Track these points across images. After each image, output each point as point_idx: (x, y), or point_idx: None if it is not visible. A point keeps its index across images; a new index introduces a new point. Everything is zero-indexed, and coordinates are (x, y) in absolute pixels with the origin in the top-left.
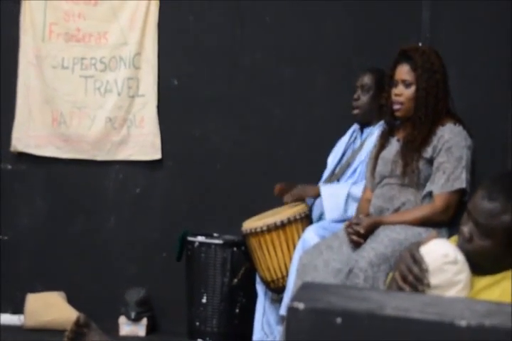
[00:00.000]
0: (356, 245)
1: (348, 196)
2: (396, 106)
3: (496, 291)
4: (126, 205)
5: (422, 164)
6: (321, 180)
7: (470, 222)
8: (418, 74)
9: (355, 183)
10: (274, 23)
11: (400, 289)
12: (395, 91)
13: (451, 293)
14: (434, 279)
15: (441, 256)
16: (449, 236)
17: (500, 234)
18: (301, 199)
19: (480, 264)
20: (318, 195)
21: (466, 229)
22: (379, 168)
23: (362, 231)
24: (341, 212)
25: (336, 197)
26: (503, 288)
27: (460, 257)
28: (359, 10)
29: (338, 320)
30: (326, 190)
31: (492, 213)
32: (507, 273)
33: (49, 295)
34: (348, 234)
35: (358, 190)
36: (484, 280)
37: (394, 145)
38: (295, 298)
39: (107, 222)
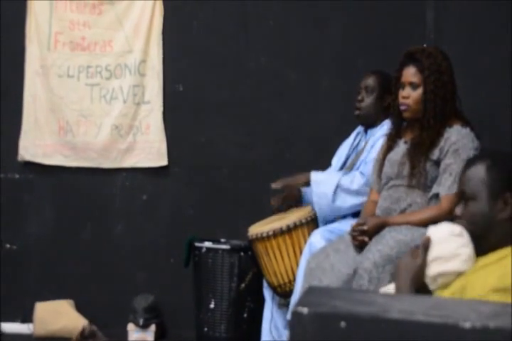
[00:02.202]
0: (361, 247)
1: (338, 186)
2: (403, 108)
3: (497, 269)
4: (133, 212)
5: (428, 166)
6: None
7: (460, 202)
8: (425, 76)
9: (346, 174)
10: (279, 28)
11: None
12: (402, 93)
13: (454, 263)
14: (438, 249)
15: (448, 230)
16: None
17: (481, 189)
18: (291, 186)
19: (480, 241)
20: (308, 182)
21: (457, 209)
22: (386, 170)
23: (365, 228)
24: (329, 202)
25: (324, 185)
26: (504, 265)
27: (466, 233)
28: (363, 12)
29: (343, 324)
30: (315, 176)
31: (470, 176)
32: (507, 250)
33: (58, 304)
34: (353, 237)
35: (347, 181)
36: (485, 259)
37: (401, 147)
38: (299, 302)
39: (114, 229)
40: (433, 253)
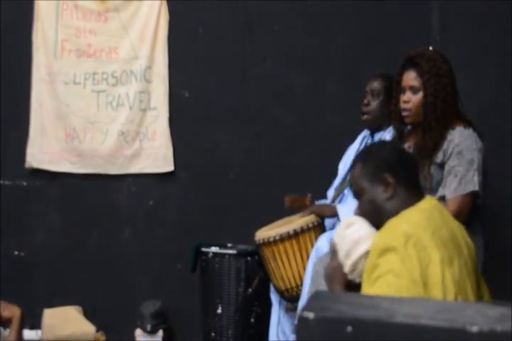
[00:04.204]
0: None
1: None
2: (404, 113)
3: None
4: (140, 218)
5: (433, 169)
6: (331, 187)
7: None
8: (425, 80)
9: None
10: (283, 32)
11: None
12: (403, 98)
13: (358, 248)
14: (342, 246)
15: (343, 225)
16: None
17: (363, 182)
18: (316, 213)
19: (378, 226)
20: (335, 215)
21: (354, 211)
22: None
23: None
24: None
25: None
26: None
27: (358, 219)
28: (368, 15)
29: (349, 328)
30: (342, 209)
31: (353, 177)
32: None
33: (66, 310)
34: None
35: None
36: None
37: None
38: (305, 307)
39: (121, 235)
40: (341, 251)
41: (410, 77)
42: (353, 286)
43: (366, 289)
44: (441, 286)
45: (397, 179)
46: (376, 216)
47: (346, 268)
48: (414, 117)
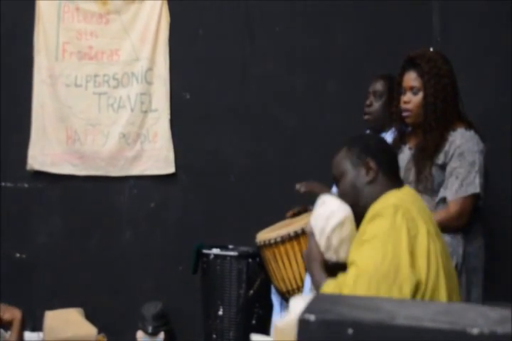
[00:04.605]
0: None
1: None
2: (405, 114)
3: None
4: (141, 220)
5: (434, 170)
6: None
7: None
8: (425, 80)
9: None
10: (284, 32)
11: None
12: (403, 98)
13: (330, 221)
14: (316, 226)
15: (315, 208)
16: (465, 242)
17: (345, 165)
18: (313, 192)
19: (355, 208)
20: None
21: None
22: None
23: None
24: None
25: None
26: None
27: (329, 198)
28: (368, 15)
29: (350, 330)
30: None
31: (335, 161)
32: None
33: (67, 312)
34: None
35: None
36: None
37: (406, 153)
38: (306, 309)
39: (122, 237)
40: (316, 230)
41: (411, 78)
42: (331, 267)
43: (353, 252)
44: (425, 257)
45: (379, 166)
46: (355, 199)
47: (322, 246)
48: (414, 118)
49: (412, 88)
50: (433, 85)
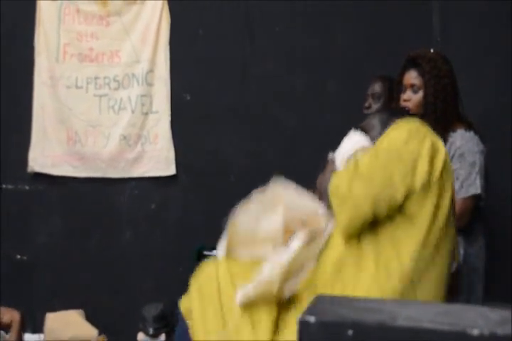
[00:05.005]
0: None
1: None
2: None
3: None
4: (142, 221)
5: None
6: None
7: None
8: (426, 80)
9: None
10: (284, 32)
11: None
12: (403, 96)
13: (358, 144)
14: (340, 152)
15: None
16: (465, 242)
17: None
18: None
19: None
20: None
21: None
22: None
23: None
24: None
25: None
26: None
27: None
28: (368, 15)
29: (350, 332)
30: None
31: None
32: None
33: (68, 314)
34: None
35: None
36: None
37: None
38: (306, 311)
39: (123, 238)
40: (339, 156)
41: (411, 76)
42: None
43: (361, 158)
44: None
45: None
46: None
47: (337, 161)
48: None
49: (412, 86)
50: (433, 85)
